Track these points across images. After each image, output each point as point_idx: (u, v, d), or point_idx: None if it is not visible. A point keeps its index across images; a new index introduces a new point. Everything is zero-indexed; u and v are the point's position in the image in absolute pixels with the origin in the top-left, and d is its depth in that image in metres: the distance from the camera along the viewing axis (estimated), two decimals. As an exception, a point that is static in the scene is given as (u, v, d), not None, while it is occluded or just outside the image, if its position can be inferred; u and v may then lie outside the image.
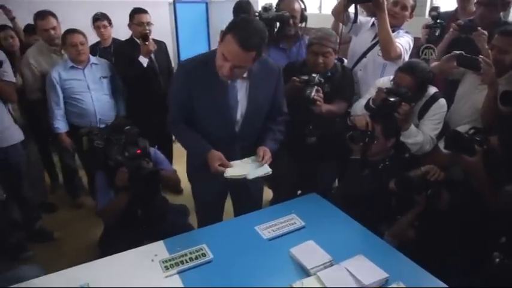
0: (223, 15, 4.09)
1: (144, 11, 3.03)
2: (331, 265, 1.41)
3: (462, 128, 1.84)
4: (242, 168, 1.66)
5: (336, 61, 2.18)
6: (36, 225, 2.83)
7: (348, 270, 1.36)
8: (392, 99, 1.83)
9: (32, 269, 1.58)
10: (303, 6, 2.43)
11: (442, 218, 1.66)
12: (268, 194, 3.28)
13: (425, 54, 1.90)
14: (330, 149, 2.19)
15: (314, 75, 2.00)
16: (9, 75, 2.44)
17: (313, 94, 1.95)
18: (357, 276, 1.32)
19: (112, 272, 1.44)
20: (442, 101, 1.95)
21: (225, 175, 1.62)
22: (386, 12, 2.12)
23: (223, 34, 1.54)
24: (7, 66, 2.43)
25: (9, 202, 2.53)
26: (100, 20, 3.30)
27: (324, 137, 2.16)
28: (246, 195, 1.97)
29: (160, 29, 4.02)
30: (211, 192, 1.94)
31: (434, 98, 1.95)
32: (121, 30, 3.31)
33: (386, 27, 2.12)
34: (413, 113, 1.95)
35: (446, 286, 1.33)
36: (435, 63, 2.15)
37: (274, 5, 2.43)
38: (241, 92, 1.71)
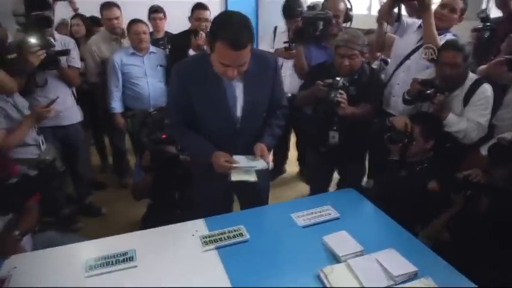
0: (272, 11, 4.17)
1: (205, 8, 3.11)
2: (362, 255, 1.44)
3: (507, 135, 1.81)
4: (247, 175, 1.64)
5: (381, 63, 2.20)
6: (87, 201, 3.07)
7: (377, 261, 1.39)
8: (428, 91, 1.85)
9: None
10: (349, 6, 2.46)
11: (479, 221, 1.64)
12: (305, 189, 3.35)
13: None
14: (354, 152, 2.22)
15: (338, 78, 2.01)
16: (75, 61, 2.67)
17: (337, 97, 1.98)
18: (386, 267, 1.35)
19: (155, 242, 1.56)
20: (486, 85, 1.92)
21: (231, 179, 1.62)
22: (431, 12, 2.10)
23: (210, 43, 1.50)
24: (75, 53, 2.65)
25: (65, 176, 2.77)
26: (157, 12, 3.49)
27: (348, 139, 2.17)
28: (253, 195, 1.92)
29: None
30: (215, 192, 1.88)
31: (478, 83, 1.93)
32: (173, 25, 3.51)
33: (431, 28, 2.10)
34: (457, 100, 1.95)
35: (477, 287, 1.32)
36: (483, 66, 2.11)
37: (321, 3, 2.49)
38: (238, 88, 1.67)
